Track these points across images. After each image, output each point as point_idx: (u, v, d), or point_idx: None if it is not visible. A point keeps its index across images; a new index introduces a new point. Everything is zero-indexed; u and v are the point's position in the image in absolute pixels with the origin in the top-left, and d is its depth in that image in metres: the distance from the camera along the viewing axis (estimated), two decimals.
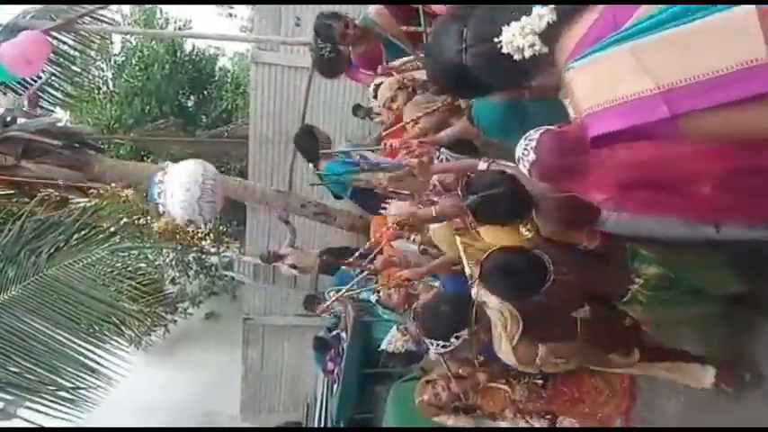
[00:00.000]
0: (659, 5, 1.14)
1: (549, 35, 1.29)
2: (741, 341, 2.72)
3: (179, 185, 3.20)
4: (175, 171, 3.21)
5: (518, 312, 2.48)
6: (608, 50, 1.19)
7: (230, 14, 13.46)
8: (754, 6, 1.03)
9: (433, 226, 3.21)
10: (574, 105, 1.39)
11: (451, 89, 1.86)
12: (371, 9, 3.84)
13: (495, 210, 2.26)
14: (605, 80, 1.22)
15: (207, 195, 3.25)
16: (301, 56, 6.90)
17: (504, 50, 1.31)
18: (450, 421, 3.26)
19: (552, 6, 1.26)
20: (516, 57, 1.31)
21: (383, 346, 4.25)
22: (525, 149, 1.85)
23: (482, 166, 2.62)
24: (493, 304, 2.55)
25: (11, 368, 4.02)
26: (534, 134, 1.84)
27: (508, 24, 1.30)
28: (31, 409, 3.98)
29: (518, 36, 1.29)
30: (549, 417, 3.38)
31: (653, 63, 1.15)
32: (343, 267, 5.37)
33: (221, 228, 12.21)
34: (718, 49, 1.08)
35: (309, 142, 4.42)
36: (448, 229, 3.05)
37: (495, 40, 1.31)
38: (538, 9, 1.27)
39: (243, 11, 13.47)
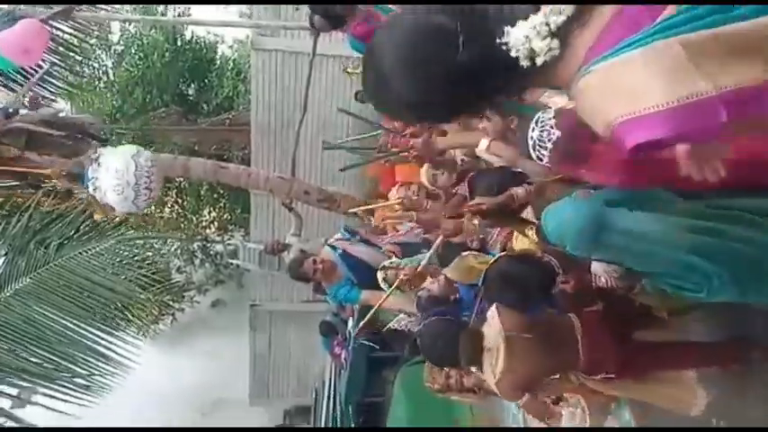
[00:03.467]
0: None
1: (563, 36, 1.09)
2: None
3: (110, 186, 3.33)
4: (102, 171, 3.30)
5: (519, 333, 2.46)
6: (652, 43, 1.03)
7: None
8: None
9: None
10: (590, 113, 1.16)
11: (439, 107, 1.22)
12: None
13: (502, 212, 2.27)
14: (647, 79, 1.05)
15: (140, 189, 3.42)
16: (302, 41, 6.86)
17: (514, 54, 1.08)
18: (456, 396, 3.30)
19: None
20: (524, 62, 1.09)
21: (392, 325, 4.29)
22: (544, 130, 1.80)
23: (484, 143, 2.60)
24: (490, 332, 2.56)
25: (25, 356, 4.09)
26: (546, 115, 1.81)
27: (510, 23, 1.08)
28: (47, 395, 4.04)
29: (534, 38, 1.07)
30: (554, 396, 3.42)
31: (707, 61, 1.03)
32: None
33: (226, 216, 12.24)
34: None
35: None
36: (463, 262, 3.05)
37: (499, 40, 1.08)
38: (551, 7, 1.07)
39: None
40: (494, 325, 2.52)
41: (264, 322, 9.44)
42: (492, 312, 2.55)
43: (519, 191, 2.31)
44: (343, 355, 7.05)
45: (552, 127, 1.80)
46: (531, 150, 1.93)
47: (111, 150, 3.57)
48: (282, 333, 9.48)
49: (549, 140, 1.80)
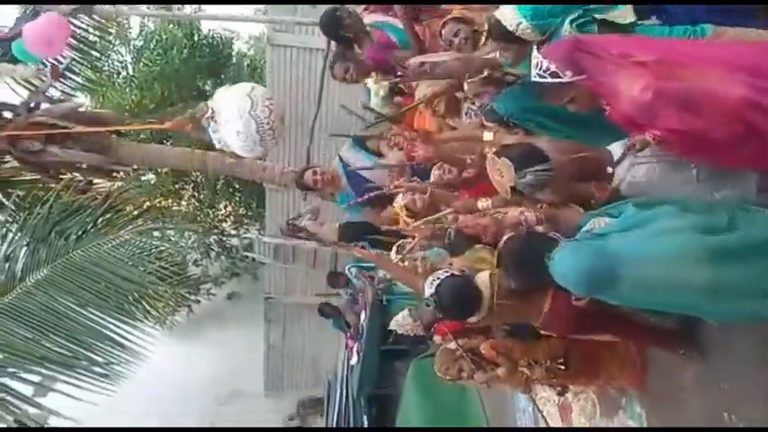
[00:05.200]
0: None
1: None
2: None
3: (231, 130, 3.33)
4: (222, 114, 3.30)
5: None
6: None
7: None
8: None
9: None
10: None
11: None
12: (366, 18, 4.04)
13: (538, 187, 2.35)
14: None
15: (262, 126, 3.43)
16: (316, 37, 6.90)
17: None
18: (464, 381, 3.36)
19: None
20: None
21: (392, 326, 4.32)
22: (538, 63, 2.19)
23: (488, 135, 2.69)
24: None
25: (46, 344, 4.20)
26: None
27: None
28: (67, 383, 4.15)
29: None
30: (559, 387, 3.45)
31: None
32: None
33: (241, 210, 12.36)
34: None
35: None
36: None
37: None
38: None
39: None
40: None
41: (279, 315, 9.54)
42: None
43: (530, 217, 2.44)
44: (355, 348, 7.13)
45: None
46: (542, 77, 2.18)
47: (222, 97, 3.57)
48: (296, 325, 9.58)
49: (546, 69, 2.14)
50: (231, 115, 3.45)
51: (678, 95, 1.99)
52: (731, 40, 2.34)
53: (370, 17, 4.13)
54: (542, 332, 2.85)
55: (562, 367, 3.20)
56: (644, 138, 2.04)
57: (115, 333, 4.28)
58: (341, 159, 4.54)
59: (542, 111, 2.78)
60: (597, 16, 2.42)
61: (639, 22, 2.47)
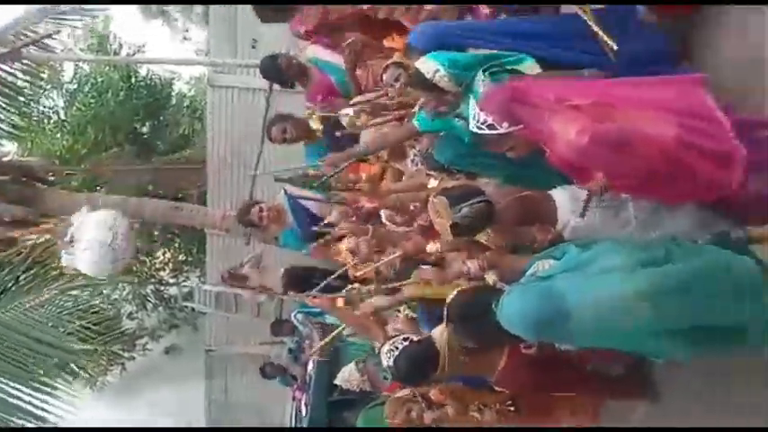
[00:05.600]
0: None
1: None
2: None
3: (87, 259, 3.44)
4: (82, 243, 3.55)
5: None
6: None
7: (185, 38, 13.32)
8: None
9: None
10: None
11: None
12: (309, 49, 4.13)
13: (477, 219, 2.33)
14: None
15: (118, 256, 3.71)
16: (258, 78, 6.82)
17: None
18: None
19: None
20: None
21: (338, 382, 4.17)
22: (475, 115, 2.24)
23: (432, 183, 2.74)
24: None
25: None
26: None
27: None
28: None
29: None
30: None
31: None
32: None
33: (181, 256, 11.88)
34: None
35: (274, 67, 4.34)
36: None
37: None
38: None
39: (198, 34, 13.37)
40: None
41: (221, 367, 9.12)
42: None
43: (472, 266, 2.45)
44: (303, 400, 6.85)
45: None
46: (480, 129, 2.26)
47: (84, 226, 3.72)
48: (240, 378, 9.15)
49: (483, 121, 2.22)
50: (91, 246, 3.67)
51: (614, 138, 2.04)
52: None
53: (313, 50, 4.13)
54: (496, 388, 2.83)
55: (512, 409, 3.18)
56: (599, 183, 2.06)
57: (32, 405, 3.87)
58: (286, 192, 4.42)
59: (483, 153, 2.81)
60: (508, 67, 2.57)
61: (547, 72, 2.62)
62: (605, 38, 2.62)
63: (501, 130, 2.19)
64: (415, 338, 2.82)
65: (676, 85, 2.34)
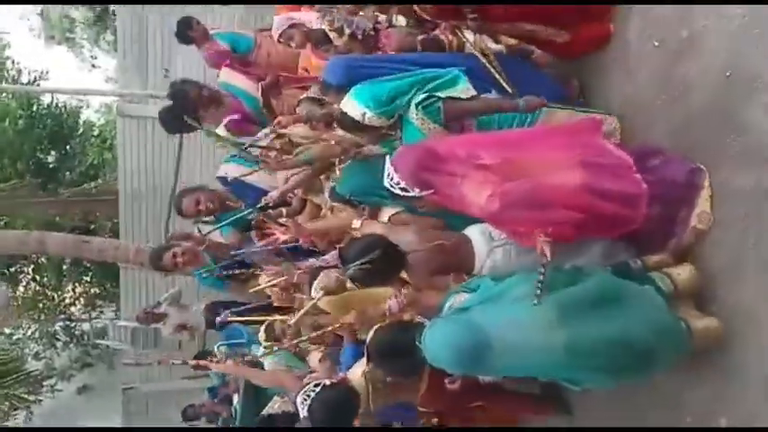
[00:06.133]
0: None
1: None
2: None
3: None
4: None
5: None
6: None
7: (93, 66, 12.75)
8: None
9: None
10: None
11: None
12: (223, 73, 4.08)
13: (374, 273, 2.31)
14: None
15: None
16: None
17: None
18: None
19: None
20: None
21: (265, 413, 4.10)
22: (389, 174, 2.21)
23: (356, 223, 2.70)
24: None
25: None
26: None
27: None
28: None
29: None
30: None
31: None
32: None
33: (93, 290, 11.23)
34: None
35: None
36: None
37: None
38: None
39: (107, 61, 12.84)
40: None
41: (140, 407, 8.64)
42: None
43: (392, 304, 2.47)
44: None
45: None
46: (393, 188, 2.24)
47: None
48: (162, 416, 8.71)
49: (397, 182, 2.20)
50: None
51: (524, 196, 2.11)
52: (561, 119, 2.59)
53: (226, 74, 4.08)
54: (421, 409, 2.85)
55: (435, 420, 3.22)
56: (544, 244, 2.07)
57: None
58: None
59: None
60: (441, 95, 2.54)
61: (482, 96, 2.63)
62: (501, 81, 2.78)
63: (412, 194, 2.20)
64: (328, 383, 2.68)
65: (577, 133, 2.45)
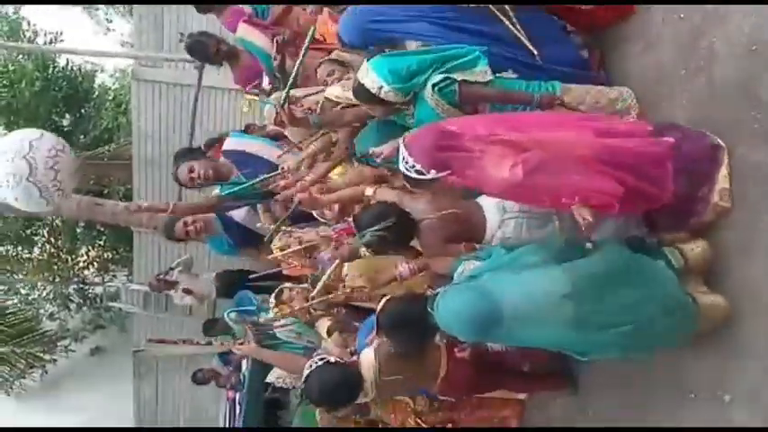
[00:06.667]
0: None
1: None
2: None
3: (8, 196, 3.05)
4: None
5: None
6: None
7: (108, 29, 12.69)
8: None
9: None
10: None
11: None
12: (240, 28, 3.98)
13: (387, 240, 2.34)
14: None
15: (47, 190, 3.09)
16: (187, 72, 6.64)
17: None
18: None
19: None
20: None
21: (270, 379, 4.16)
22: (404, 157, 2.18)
23: (369, 191, 2.72)
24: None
25: None
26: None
27: None
28: None
29: None
30: (450, 425, 3.51)
31: None
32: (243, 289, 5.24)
33: (106, 254, 11.37)
34: None
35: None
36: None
37: None
38: None
39: (122, 25, 12.78)
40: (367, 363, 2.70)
41: (150, 369, 8.82)
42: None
43: (403, 270, 2.49)
44: (237, 399, 6.75)
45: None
46: (408, 171, 2.20)
47: None
48: (170, 380, 8.90)
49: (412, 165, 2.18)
50: (5, 182, 3.07)
51: (547, 162, 2.06)
52: (576, 96, 2.55)
53: (243, 30, 3.99)
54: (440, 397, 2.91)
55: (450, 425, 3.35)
56: (582, 210, 2.03)
57: None
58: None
59: None
60: (457, 77, 2.50)
61: (498, 75, 2.61)
62: (526, 42, 2.73)
63: (428, 176, 2.16)
64: (333, 360, 2.65)
65: (582, 117, 2.42)
